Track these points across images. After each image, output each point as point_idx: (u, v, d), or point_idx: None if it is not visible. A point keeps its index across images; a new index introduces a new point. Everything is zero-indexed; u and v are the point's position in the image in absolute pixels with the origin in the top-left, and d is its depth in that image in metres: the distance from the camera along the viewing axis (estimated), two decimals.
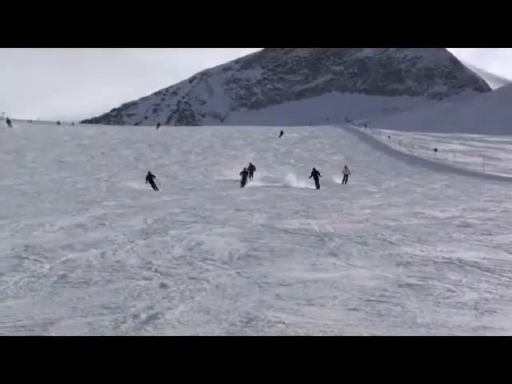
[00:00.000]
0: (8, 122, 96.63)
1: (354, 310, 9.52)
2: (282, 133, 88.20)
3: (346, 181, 51.62)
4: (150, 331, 8.59)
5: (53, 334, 8.08)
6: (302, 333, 8.29)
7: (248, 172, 50.90)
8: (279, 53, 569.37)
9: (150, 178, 44.30)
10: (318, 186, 46.69)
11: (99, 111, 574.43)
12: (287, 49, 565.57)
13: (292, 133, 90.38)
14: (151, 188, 43.12)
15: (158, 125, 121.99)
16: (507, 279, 11.41)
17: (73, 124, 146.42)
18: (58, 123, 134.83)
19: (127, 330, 8.69)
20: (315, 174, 47.22)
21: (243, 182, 46.89)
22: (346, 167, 53.01)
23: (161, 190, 42.42)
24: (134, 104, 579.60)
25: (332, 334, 8.18)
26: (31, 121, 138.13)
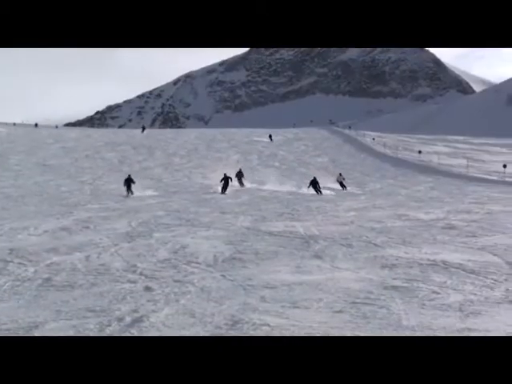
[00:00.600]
0: None
1: (339, 312, 9.54)
2: (270, 137, 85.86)
3: (345, 186, 48.89)
4: (134, 334, 8.58)
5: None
6: (286, 335, 8.30)
7: (235, 178, 47.90)
8: (263, 55, 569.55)
9: (128, 183, 41.50)
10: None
11: (83, 114, 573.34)
12: (271, 51, 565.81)
13: (277, 135, 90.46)
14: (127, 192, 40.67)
15: (143, 128, 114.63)
16: (492, 281, 11.46)
17: (56, 127, 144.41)
18: (36, 125, 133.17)
19: (112, 332, 8.68)
20: (314, 185, 44.04)
21: (224, 188, 43.16)
22: (340, 174, 50.51)
23: (134, 195, 39.47)
24: (118, 107, 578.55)
25: (318, 335, 8.19)
26: (15, 124, 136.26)
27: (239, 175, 49.93)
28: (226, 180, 44.25)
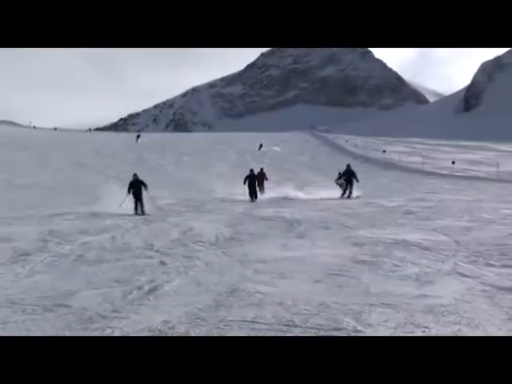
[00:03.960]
0: (34, 127, 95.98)
1: (318, 281, 9.55)
2: (261, 146, 78.90)
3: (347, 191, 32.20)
4: (152, 300, 8.60)
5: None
6: (275, 300, 8.32)
7: (255, 181, 30.52)
8: (256, 72, 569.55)
9: (134, 189, 22.86)
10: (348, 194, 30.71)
11: (109, 120, 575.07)
12: (263, 68, 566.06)
13: (269, 139, 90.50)
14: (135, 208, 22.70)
15: (138, 136, 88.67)
16: (443, 256, 11.48)
17: (90, 130, 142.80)
18: (55, 129, 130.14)
19: (133, 299, 8.70)
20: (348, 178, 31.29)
21: (253, 195, 29.06)
22: (339, 176, 33.89)
23: (149, 212, 22.36)
24: (137, 115, 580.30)
25: (310, 307, 8.20)
26: (56, 128, 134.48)
27: (261, 176, 32.99)
28: (251, 182, 29.56)
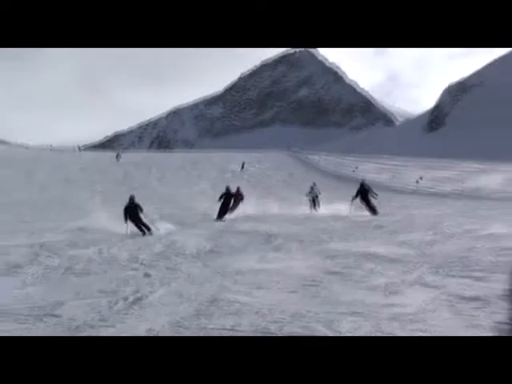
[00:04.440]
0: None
1: (293, 292, 9.64)
2: (243, 165, 76.77)
3: (316, 205, 31.67)
4: (136, 310, 8.65)
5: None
6: (253, 309, 8.40)
7: (231, 199, 27.19)
8: (235, 95, 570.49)
9: (131, 214, 20.47)
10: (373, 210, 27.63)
11: (94, 138, 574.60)
12: (240, 92, 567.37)
13: (247, 157, 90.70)
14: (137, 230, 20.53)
15: (118, 155, 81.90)
16: (408, 268, 11.61)
17: (79, 149, 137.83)
18: (51, 146, 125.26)
19: (119, 309, 8.75)
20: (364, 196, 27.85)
21: (221, 213, 25.55)
22: (313, 187, 33.46)
23: (154, 229, 20.63)
24: (122, 135, 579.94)
25: (285, 316, 8.28)
26: (51, 146, 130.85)
27: (236, 197, 27.89)
28: (225, 200, 26.54)
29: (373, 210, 27.59)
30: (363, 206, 27.68)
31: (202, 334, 7.29)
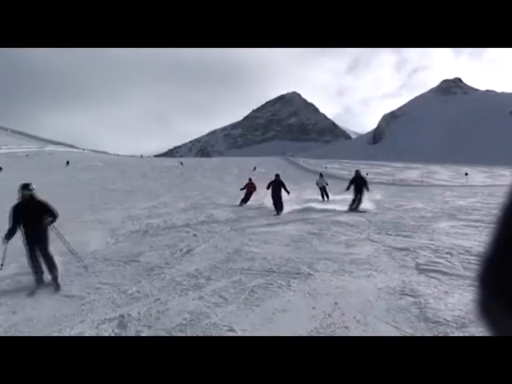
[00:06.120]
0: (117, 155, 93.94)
1: (287, 245, 9.55)
2: (255, 168, 70.35)
3: (326, 195, 23.82)
4: (188, 257, 8.59)
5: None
6: (261, 256, 8.32)
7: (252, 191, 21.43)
8: (249, 122, 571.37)
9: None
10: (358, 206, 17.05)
11: (162, 150, 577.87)
12: (252, 120, 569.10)
13: (256, 161, 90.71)
14: None
15: (181, 163, 77.26)
16: (361, 230, 11.50)
17: (141, 156, 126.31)
18: (118, 155, 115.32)
19: (177, 256, 8.69)
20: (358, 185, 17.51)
21: (276, 205, 16.60)
22: (321, 176, 26.12)
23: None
24: (179, 147, 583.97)
25: (282, 260, 8.19)
26: (118, 154, 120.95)
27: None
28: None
29: (359, 203, 17.07)
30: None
31: (229, 272, 7.21)
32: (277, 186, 16.92)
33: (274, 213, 15.92)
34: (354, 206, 16.83)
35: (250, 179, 22.34)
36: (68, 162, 64.69)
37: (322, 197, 23.69)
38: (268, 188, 17.26)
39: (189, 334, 4.54)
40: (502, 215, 0.97)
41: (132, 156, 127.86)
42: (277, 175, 17.96)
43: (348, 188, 17.68)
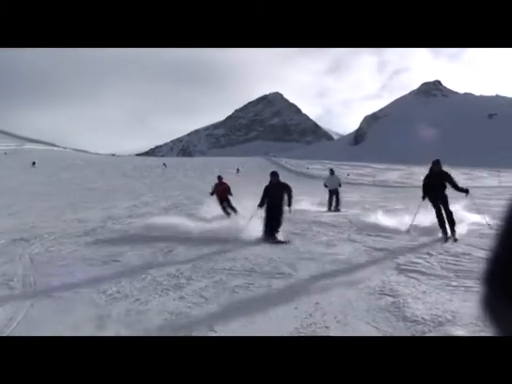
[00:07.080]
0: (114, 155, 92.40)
1: (268, 245, 9.57)
2: (238, 170, 68.00)
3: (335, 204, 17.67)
4: (169, 258, 8.52)
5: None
6: (243, 255, 8.30)
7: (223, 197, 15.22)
8: (232, 122, 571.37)
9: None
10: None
11: (143, 149, 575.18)
12: (235, 120, 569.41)
13: (238, 161, 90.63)
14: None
15: (164, 164, 74.52)
16: (342, 230, 11.59)
17: (113, 155, 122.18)
18: (113, 155, 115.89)
19: (159, 256, 8.62)
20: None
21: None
22: (332, 172, 19.38)
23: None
24: (160, 146, 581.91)
25: (263, 260, 8.18)
26: (114, 154, 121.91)
27: (225, 191, 15.30)
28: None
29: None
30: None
31: (210, 272, 7.19)
32: (277, 193, 10.88)
33: (270, 241, 10.04)
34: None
35: (220, 178, 16.28)
36: (34, 163, 60.95)
37: (330, 205, 17.32)
38: (264, 197, 10.92)
39: (168, 334, 4.52)
40: (505, 221, 1.04)
41: (113, 155, 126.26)
42: (274, 174, 11.35)
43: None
